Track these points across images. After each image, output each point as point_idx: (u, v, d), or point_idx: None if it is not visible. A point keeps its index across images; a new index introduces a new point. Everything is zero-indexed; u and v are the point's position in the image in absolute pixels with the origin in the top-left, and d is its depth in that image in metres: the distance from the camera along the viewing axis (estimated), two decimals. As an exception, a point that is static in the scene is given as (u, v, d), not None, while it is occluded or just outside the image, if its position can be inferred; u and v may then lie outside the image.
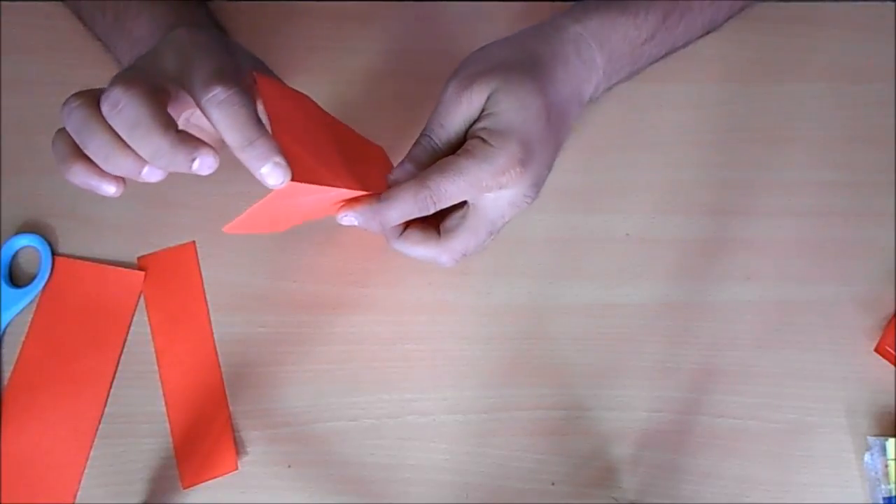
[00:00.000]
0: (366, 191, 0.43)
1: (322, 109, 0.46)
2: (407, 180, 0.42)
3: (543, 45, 0.45)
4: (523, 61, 0.44)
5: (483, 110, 0.42)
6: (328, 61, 0.56)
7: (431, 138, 0.43)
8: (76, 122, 0.36)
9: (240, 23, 0.56)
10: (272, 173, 0.36)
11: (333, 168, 0.42)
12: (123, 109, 0.35)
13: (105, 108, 0.35)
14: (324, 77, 0.55)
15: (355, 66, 0.56)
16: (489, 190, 0.42)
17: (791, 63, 0.58)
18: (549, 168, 0.44)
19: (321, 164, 0.40)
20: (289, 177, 0.36)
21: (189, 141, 0.36)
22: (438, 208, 0.42)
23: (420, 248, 0.45)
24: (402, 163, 0.44)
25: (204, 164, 0.36)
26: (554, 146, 0.44)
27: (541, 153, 0.43)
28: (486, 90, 0.42)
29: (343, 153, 0.44)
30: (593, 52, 0.46)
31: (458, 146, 0.43)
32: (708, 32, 0.54)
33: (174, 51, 0.39)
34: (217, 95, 0.36)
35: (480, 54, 0.45)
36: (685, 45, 0.53)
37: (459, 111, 0.43)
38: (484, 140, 0.41)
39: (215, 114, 0.36)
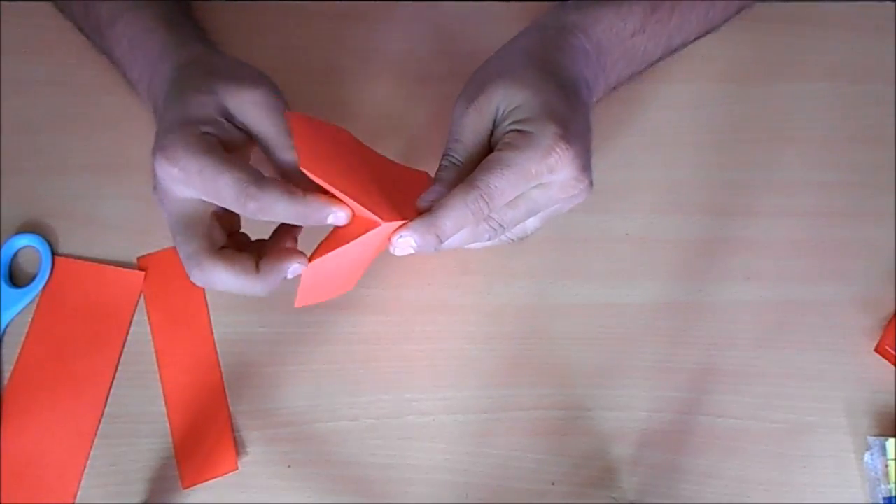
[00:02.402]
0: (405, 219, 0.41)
1: (359, 142, 0.45)
2: (434, 201, 0.41)
3: (534, 41, 0.45)
4: (520, 60, 0.44)
5: (500, 113, 0.42)
6: (327, 61, 0.56)
7: (451, 156, 0.42)
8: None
9: (239, 23, 0.56)
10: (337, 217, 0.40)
11: (372, 197, 0.40)
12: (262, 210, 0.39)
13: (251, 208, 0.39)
14: (323, 77, 0.55)
15: (355, 66, 0.56)
16: (540, 176, 0.40)
17: (791, 63, 0.58)
18: (590, 150, 0.43)
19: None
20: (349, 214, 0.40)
21: (315, 201, 0.40)
22: (493, 209, 0.40)
23: (457, 207, 0.40)
24: (430, 188, 0.42)
25: (338, 218, 0.40)
26: (585, 124, 0.43)
27: (577, 128, 0.41)
28: (493, 94, 0.42)
29: (381, 184, 0.42)
30: (581, 41, 0.46)
31: (480, 159, 0.41)
32: (707, 32, 0.54)
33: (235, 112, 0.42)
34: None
35: (481, 69, 0.45)
36: (683, 43, 0.53)
37: (472, 122, 0.42)
38: (519, 130, 0.40)
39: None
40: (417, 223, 0.40)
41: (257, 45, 0.56)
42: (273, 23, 0.57)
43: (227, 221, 0.43)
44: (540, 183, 0.41)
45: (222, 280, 0.40)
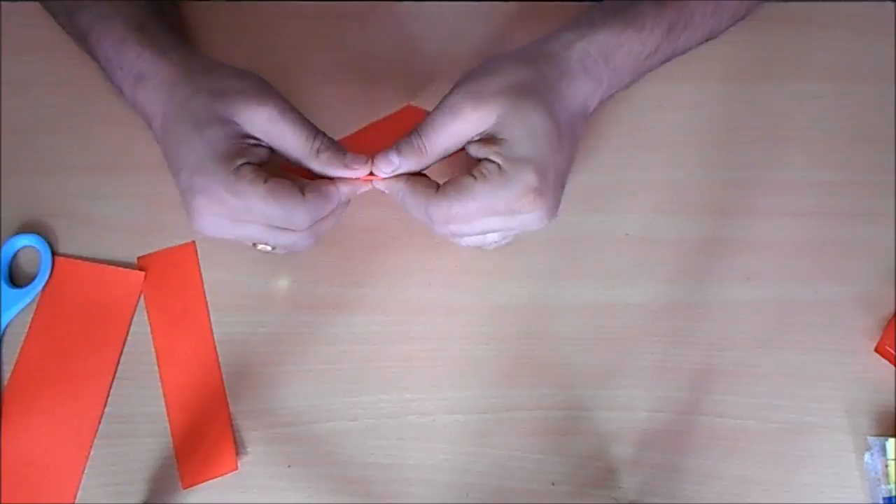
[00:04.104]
0: None
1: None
2: (387, 170, 0.44)
3: (551, 64, 0.45)
4: (532, 82, 0.44)
5: (493, 134, 0.43)
6: (327, 61, 0.56)
7: (420, 137, 0.44)
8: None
9: (238, 23, 0.56)
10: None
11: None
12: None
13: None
14: (322, 77, 0.55)
15: (355, 66, 0.56)
16: (502, 215, 0.43)
17: (791, 63, 0.58)
18: (563, 187, 0.45)
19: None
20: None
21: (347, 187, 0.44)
22: (449, 226, 0.44)
23: (410, 198, 0.44)
24: (387, 151, 0.44)
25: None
26: (566, 166, 0.45)
27: (555, 177, 0.43)
28: (495, 112, 0.42)
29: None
30: (599, 68, 0.46)
31: (445, 155, 0.44)
32: (707, 41, 0.54)
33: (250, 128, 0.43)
34: (317, 156, 0.43)
35: (489, 68, 0.45)
36: (685, 52, 0.53)
37: (460, 124, 0.43)
38: (499, 166, 0.42)
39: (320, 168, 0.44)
40: (406, 146, 0.44)
41: (257, 45, 0.56)
42: (273, 23, 0.57)
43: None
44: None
45: (323, 208, 0.43)
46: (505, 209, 0.42)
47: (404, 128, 0.45)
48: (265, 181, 0.41)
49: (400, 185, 0.44)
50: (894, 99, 0.57)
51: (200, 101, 0.43)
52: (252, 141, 0.43)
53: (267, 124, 0.42)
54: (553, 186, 0.43)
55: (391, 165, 0.44)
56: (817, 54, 0.58)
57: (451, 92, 0.44)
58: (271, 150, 0.44)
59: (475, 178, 0.42)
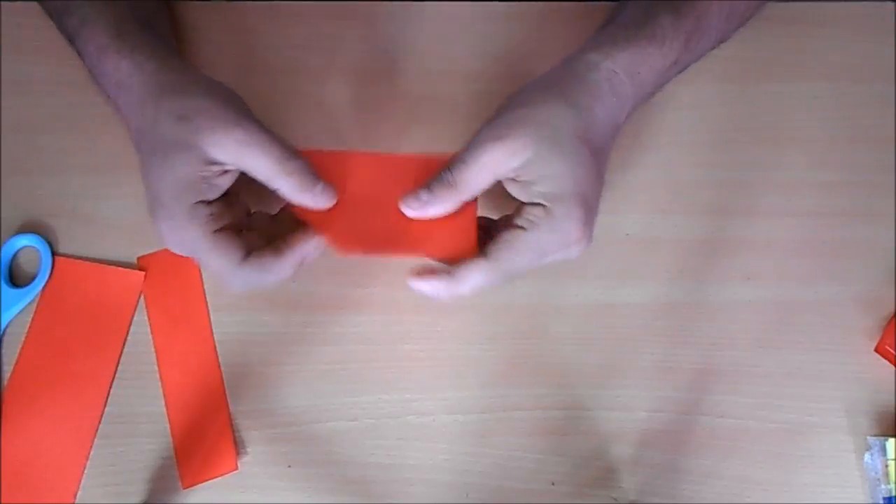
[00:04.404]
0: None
1: (368, 156, 0.46)
2: (420, 208, 0.43)
3: (579, 90, 0.44)
4: (563, 112, 0.43)
5: (530, 171, 0.42)
6: (325, 61, 0.56)
7: (451, 174, 0.42)
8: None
9: (238, 23, 0.56)
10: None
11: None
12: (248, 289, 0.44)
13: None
14: (322, 77, 0.55)
15: (354, 66, 0.56)
16: (555, 255, 0.43)
17: (791, 63, 0.58)
18: (595, 216, 0.44)
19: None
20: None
21: (289, 260, 0.43)
22: (508, 279, 0.43)
23: (477, 280, 0.43)
24: (418, 191, 0.43)
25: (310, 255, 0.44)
26: (601, 188, 0.44)
27: (595, 202, 0.43)
28: (528, 147, 0.41)
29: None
30: (626, 87, 0.46)
31: (481, 190, 0.43)
32: (719, 45, 0.54)
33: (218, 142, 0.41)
34: (287, 178, 0.42)
35: (518, 100, 0.44)
36: (698, 60, 0.53)
37: (492, 158, 0.41)
38: (544, 206, 0.42)
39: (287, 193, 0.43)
40: (437, 285, 0.43)
41: (256, 45, 0.56)
42: (272, 23, 0.57)
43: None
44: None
45: (260, 280, 0.43)
46: (558, 249, 0.42)
47: (397, 173, 0.44)
48: (213, 231, 0.42)
49: (439, 283, 0.43)
50: (894, 99, 0.57)
51: (167, 124, 0.42)
52: (216, 168, 0.41)
53: (235, 148, 0.41)
54: (594, 211, 0.43)
55: (419, 202, 0.42)
56: (817, 54, 0.58)
57: (482, 127, 0.43)
58: (240, 174, 0.43)
59: (524, 228, 0.42)
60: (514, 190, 0.43)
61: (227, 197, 0.43)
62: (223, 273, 0.42)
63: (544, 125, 0.42)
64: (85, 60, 0.48)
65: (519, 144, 0.41)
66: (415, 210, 0.43)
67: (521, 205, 0.43)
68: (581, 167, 0.42)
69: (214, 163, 0.41)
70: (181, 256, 0.43)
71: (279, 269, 0.43)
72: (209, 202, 0.42)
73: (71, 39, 0.48)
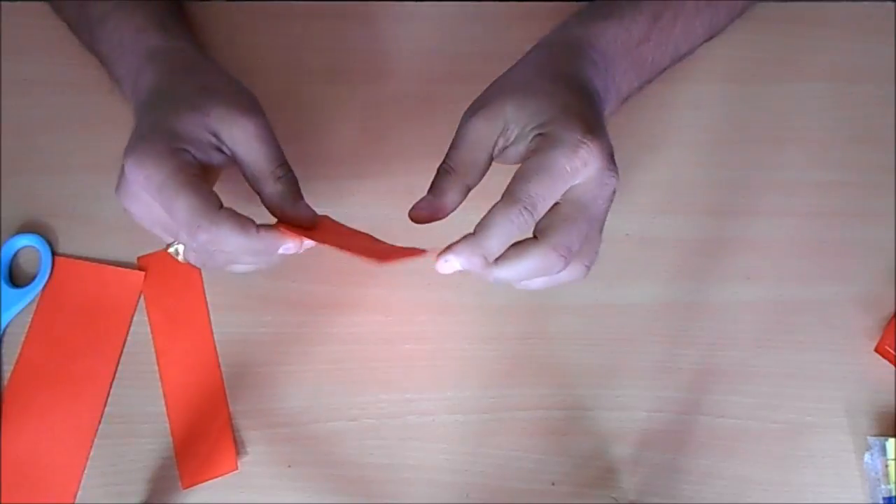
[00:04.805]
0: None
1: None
2: (430, 209, 0.41)
3: (542, 57, 0.45)
4: (531, 72, 0.44)
5: (512, 124, 0.41)
6: (327, 61, 0.56)
7: (446, 163, 0.42)
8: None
9: (238, 23, 0.56)
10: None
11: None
12: (214, 254, 0.41)
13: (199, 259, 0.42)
14: (322, 77, 0.55)
15: (354, 67, 0.56)
16: (575, 173, 0.39)
17: (791, 63, 0.58)
18: (608, 136, 0.42)
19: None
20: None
21: (268, 237, 0.40)
22: (536, 218, 0.39)
23: (526, 261, 0.40)
24: (424, 197, 0.42)
25: (288, 249, 0.41)
26: (602, 120, 0.43)
27: (597, 122, 0.41)
28: (504, 105, 0.41)
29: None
30: (589, 54, 0.46)
31: (480, 168, 0.42)
32: (712, 36, 0.54)
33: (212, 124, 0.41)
34: (274, 183, 0.42)
35: (489, 86, 0.44)
36: (690, 50, 0.53)
37: (474, 130, 0.41)
38: (541, 134, 0.40)
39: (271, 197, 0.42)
40: (462, 245, 0.39)
41: (256, 45, 0.56)
42: (272, 23, 0.57)
43: None
44: (576, 182, 0.40)
45: (228, 237, 0.39)
46: (575, 163, 0.39)
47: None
48: (194, 174, 0.39)
49: (465, 247, 0.39)
50: (894, 99, 0.57)
51: (188, 90, 0.43)
52: (214, 140, 0.41)
53: (240, 135, 0.41)
54: (600, 129, 0.41)
55: (428, 203, 0.41)
56: (817, 54, 0.58)
57: (460, 122, 0.43)
58: (225, 164, 0.42)
59: (529, 157, 0.40)
60: (512, 155, 0.42)
61: (207, 177, 0.42)
62: (195, 213, 0.38)
63: (514, 83, 0.42)
64: (112, 40, 0.48)
65: (495, 106, 0.41)
66: (426, 210, 0.41)
67: (520, 153, 0.41)
68: (559, 94, 0.41)
69: (215, 135, 0.41)
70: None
71: (254, 235, 0.39)
72: (194, 157, 0.40)
73: (95, 22, 0.49)
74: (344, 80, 0.56)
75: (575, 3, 0.51)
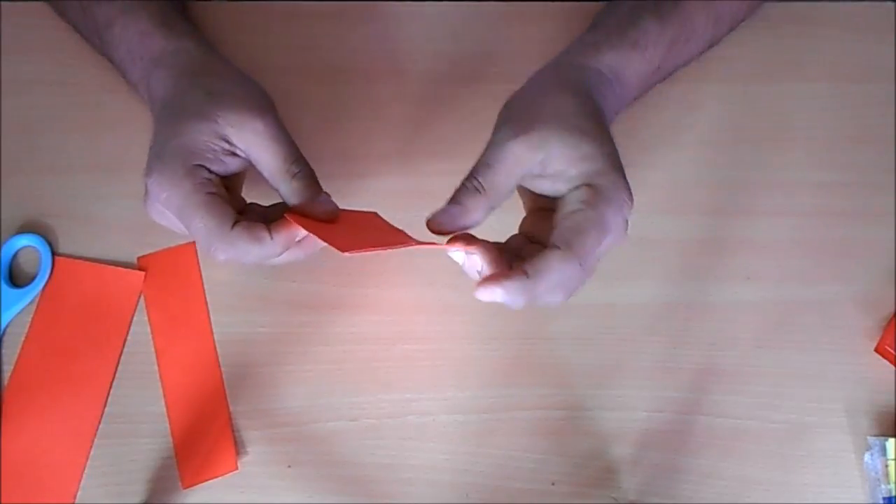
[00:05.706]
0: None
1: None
2: (451, 222, 0.41)
3: (578, 84, 0.45)
4: (572, 105, 0.43)
5: (554, 159, 0.41)
6: (327, 61, 0.56)
7: (477, 180, 0.41)
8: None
9: (238, 23, 0.56)
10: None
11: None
12: (231, 260, 0.41)
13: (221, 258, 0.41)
14: (322, 77, 0.55)
15: (354, 67, 0.56)
16: (617, 229, 0.40)
17: (791, 63, 0.58)
18: None
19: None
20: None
21: (281, 238, 0.41)
22: (586, 271, 0.40)
23: (554, 272, 0.39)
24: (445, 207, 0.41)
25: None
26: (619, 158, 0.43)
27: (622, 167, 0.42)
28: (549, 136, 0.40)
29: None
30: (611, 86, 0.46)
31: (509, 192, 0.41)
32: (708, 49, 0.54)
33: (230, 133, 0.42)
34: (291, 180, 0.42)
35: (525, 98, 0.44)
36: (685, 65, 0.53)
37: (514, 154, 0.41)
38: (590, 185, 0.40)
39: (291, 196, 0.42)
40: (514, 284, 0.38)
41: (257, 45, 0.56)
42: (272, 23, 0.57)
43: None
44: None
45: (245, 252, 0.40)
46: (619, 221, 0.40)
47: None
48: (207, 192, 0.40)
49: (514, 285, 0.39)
50: (894, 99, 0.57)
51: (195, 96, 0.43)
52: (227, 146, 0.41)
53: (251, 136, 0.41)
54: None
55: (448, 215, 0.41)
56: (817, 54, 0.58)
57: (497, 129, 0.42)
58: (244, 166, 0.43)
59: (580, 209, 0.40)
60: (545, 186, 0.42)
61: (228, 183, 0.43)
62: (210, 235, 0.40)
63: (559, 114, 0.42)
64: (120, 45, 0.48)
65: (540, 136, 0.40)
66: (445, 224, 0.41)
67: (560, 198, 0.41)
68: (605, 142, 0.42)
69: (227, 141, 0.41)
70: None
71: (269, 243, 0.40)
72: (209, 171, 0.41)
73: (102, 27, 0.49)
74: (347, 79, 0.56)
75: (575, 3, 0.51)
